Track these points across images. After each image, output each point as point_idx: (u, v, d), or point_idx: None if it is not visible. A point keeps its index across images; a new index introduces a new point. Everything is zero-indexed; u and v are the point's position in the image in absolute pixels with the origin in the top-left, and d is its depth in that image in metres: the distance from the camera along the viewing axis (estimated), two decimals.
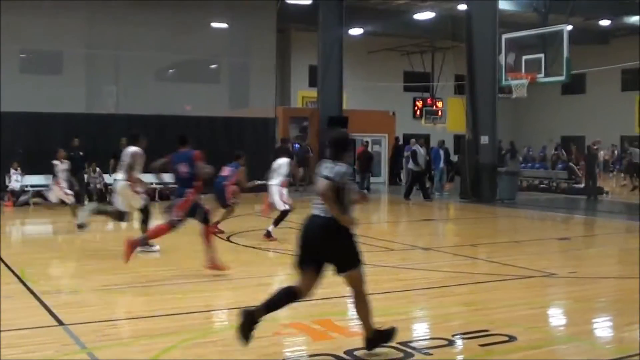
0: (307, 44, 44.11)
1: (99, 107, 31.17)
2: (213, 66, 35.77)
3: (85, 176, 25.09)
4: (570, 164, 34.17)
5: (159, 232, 12.92)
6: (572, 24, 34.35)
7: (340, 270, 7.73)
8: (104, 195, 25.43)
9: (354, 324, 9.27)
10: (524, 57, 25.41)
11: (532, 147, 51.77)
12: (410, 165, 28.77)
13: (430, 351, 7.89)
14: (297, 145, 35.18)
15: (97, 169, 25.51)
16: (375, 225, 21.00)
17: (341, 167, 7.47)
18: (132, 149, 15.07)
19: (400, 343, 7.99)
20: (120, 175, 15.09)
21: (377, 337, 7.74)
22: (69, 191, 19.61)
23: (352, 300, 7.89)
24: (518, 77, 24.98)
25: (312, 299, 10.27)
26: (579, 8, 37.67)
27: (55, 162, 19.31)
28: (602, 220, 23.18)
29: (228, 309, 10.02)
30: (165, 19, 30.77)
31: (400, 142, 39.26)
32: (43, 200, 20.49)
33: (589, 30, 48.70)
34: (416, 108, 54.11)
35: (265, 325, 8.75)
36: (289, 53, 50.26)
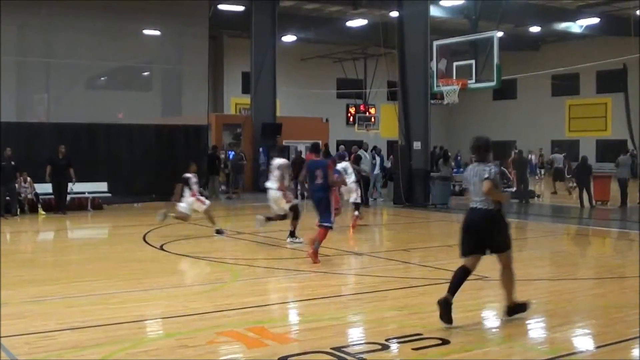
0: (239, 51, 44.10)
1: (30, 115, 30.67)
2: (145, 73, 35.45)
3: (16, 186, 24.63)
4: (502, 168, 34.58)
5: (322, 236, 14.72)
6: (502, 31, 34.84)
7: (496, 251, 9.45)
8: (35, 205, 25.00)
9: (289, 330, 9.29)
10: (455, 64, 25.62)
11: (463, 152, 52.27)
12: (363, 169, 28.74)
13: (364, 356, 7.90)
14: (231, 153, 35.05)
15: (28, 179, 25.04)
16: (310, 231, 20.98)
17: (494, 168, 9.36)
18: (281, 160, 17.42)
19: (333, 348, 8.01)
20: (272, 185, 17.18)
21: (516, 308, 9.53)
22: (202, 198, 19.96)
23: (500, 275, 9.64)
24: (449, 83, 25.17)
25: (246, 306, 10.29)
26: (509, 15, 38.25)
27: (189, 175, 19.32)
28: (533, 223, 23.47)
29: (161, 318, 9.94)
30: (97, 25, 30.36)
31: (330, 150, 39.02)
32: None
33: (519, 37, 49.46)
34: (349, 115, 54.44)
35: (200, 334, 8.73)
36: (222, 59, 50.17)
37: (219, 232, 19.02)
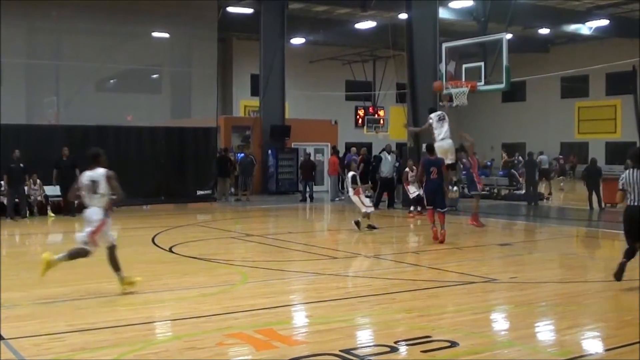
0: (248, 53, 44.05)
1: (40, 118, 30.75)
2: (154, 76, 35.52)
3: (26, 188, 24.66)
4: (512, 170, 34.54)
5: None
6: (511, 33, 34.75)
7: None
8: (44, 207, 25.04)
9: (297, 332, 9.29)
10: (464, 66, 25.52)
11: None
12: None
13: (373, 358, 7.90)
14: (240, 155, 35.03)
15: (38, 181, 25.06)
16: (319, 233, 21.00)
17: None
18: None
19: (342, 351, 8.01)
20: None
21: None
22: (365, 199, 21.00)
23: None
24: (458, 85, 25.05)
25: (254, 308, 10.28)
26: (518, 17, 38.15)
27: (352, 172, 20.62)
28: (542, 225, 23.40)
29: (170, 319, 9.94)
30: (106, 28, 30.47)
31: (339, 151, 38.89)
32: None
33: (529, 39, 49.31)
34: (358, 117, 54.35)
35: (208, 336, 8.73)
36: (231, 62, 50.19)
37: (371, 227, 20.14)
